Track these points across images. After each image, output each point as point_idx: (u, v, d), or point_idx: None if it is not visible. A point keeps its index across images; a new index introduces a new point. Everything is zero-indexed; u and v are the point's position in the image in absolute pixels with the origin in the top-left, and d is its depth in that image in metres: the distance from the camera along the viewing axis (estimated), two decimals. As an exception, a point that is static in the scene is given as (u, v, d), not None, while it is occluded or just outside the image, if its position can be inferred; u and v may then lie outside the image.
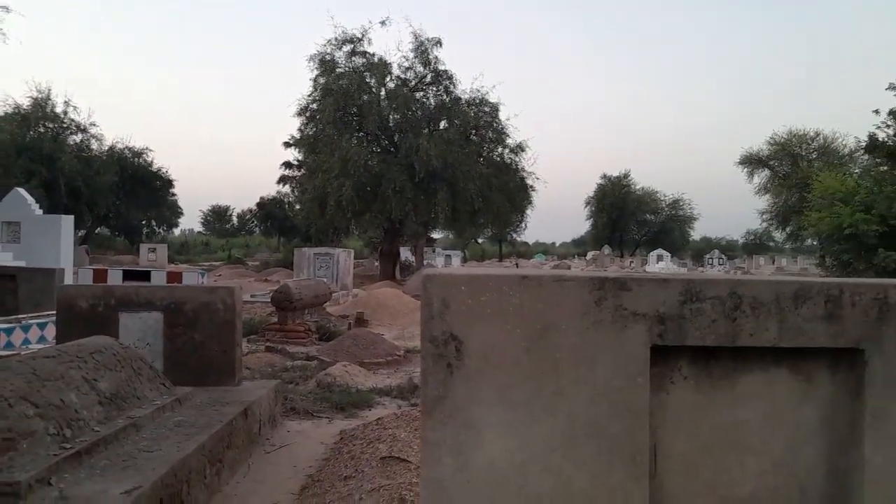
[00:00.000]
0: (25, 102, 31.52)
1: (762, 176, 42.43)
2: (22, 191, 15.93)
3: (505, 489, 1.50)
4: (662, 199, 57.73)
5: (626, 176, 57.09)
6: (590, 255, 45.67)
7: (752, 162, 42.11)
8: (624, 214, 55.37)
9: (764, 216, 42.31)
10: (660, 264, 39.35)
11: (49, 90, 32.36)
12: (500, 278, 1.52)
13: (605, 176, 57.36)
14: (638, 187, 57.23)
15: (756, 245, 56.28)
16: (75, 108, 33.41)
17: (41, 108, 31.70)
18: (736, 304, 1.50)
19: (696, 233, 64.04)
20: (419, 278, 19.33)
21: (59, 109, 32.51)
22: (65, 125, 32.80)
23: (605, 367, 1.49)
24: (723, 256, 50.25)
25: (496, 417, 1.50)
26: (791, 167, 41.24)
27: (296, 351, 8.83)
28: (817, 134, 41.30)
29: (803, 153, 41.56)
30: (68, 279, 10.27)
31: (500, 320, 1.50)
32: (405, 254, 31.28)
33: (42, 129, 31.55)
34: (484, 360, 1.51)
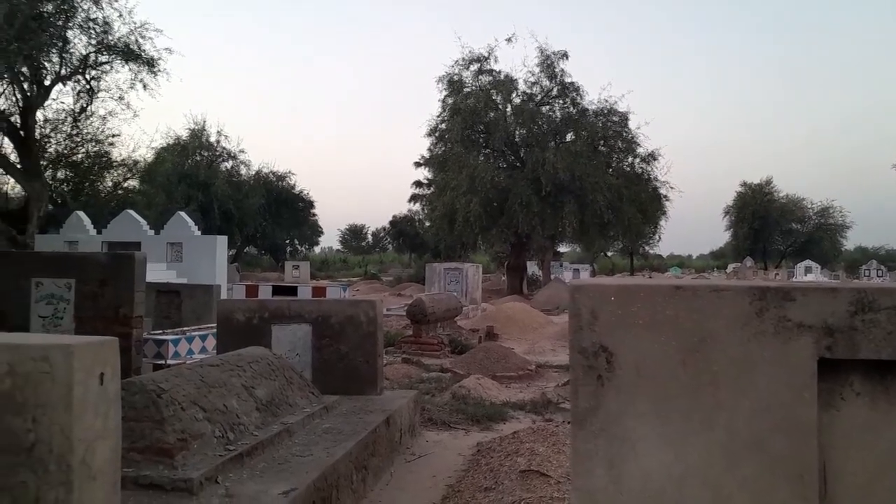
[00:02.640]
0: (184, 134, 34.73)
1: (928, 178, 38.30)
2: (183, 214, 17.52)
3: (660, 503, 1.47)
4: (810, 206, 53.50)
5: (768, 183, 53.52)
6: (730, 267, 43.23)
7: (914, 163, 38.09)
8: (767, 224, 51.83)
9: (931, 222, 38.09)
10: (808, 277, 36.54)
11: (204, 121, 35.44)
12: (652, 288, 1.50)
13: (744, 184, 54.07)
14: (782, 195, 53.42)
15: (922, 254, 50.75)
16: (226, 137, 36.49)
17: (198, 139, 34.75)
18: (916, 314, 1.39)
19: (850, 242, 58.74)
20: (547, 293, 19.22)
21: (212, 139, 35.54)
22: (217, 153, 35.73)
23: (767, 381, 1.43)
24: (882, 268, 45.76)
25: (650, 430, 1.48)
26: (963, 167, 36.93)
27: (430, 363, 9.03)
28: None
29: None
30: (223, 294, 11.14)
31: (652, 331, 1.48)
32: (532, 268, 31.14)
33: (198, 158, 34.55)
34: (636, 371, 1.49)
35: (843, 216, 52.40)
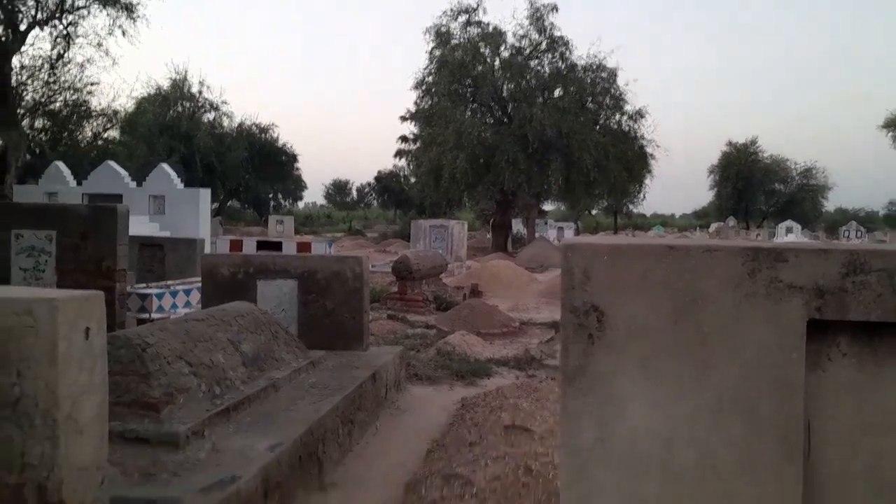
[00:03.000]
0: (165, 84, 33.96)
1: (911, 140, 38.57)
2: (166, 166, 17.27)
3: (647, 462, 1.49)
4: (793, 167, 53.82)
5: (753, 143, 53.64)
6: (713, 226, 43.54)
7: (898, 125, 38.33)
8: (750, 184, 52.12)
9: (912, 184, 38.47)
10: (789, 237, 36.91)
11: (186, 71, 34.66)
12: (644, 248, 1.49)
13: (730, 143, 54.17)
14: (766, 155, 53.63)
15: (901, 216, 51.45)
16: (208, 87, 35.67)
17: (179, 89, 34.02)
18: (907, 277, 1.39)
19: (830, 203, 59.32)
20: (531, 251, 19.32)
21: (194, 89, 34.80)
22: (200, 104, 35.06)
23: (757, 342, 1.44)
24: (861, 229, 46.34)
25: (639, 390, 1.49)
26: (946, 130, 37.24)
27: (415, 319, 9.08)
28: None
29: (960, 114, 37.40)
30: (207, 249, 11.05)
31: (644, 291, 1.48)
32: (517, 226, 31.18)
33: (180, 109, 33.88)
34: (627, 331, 1.49)
35: (825, 177, 52.85)
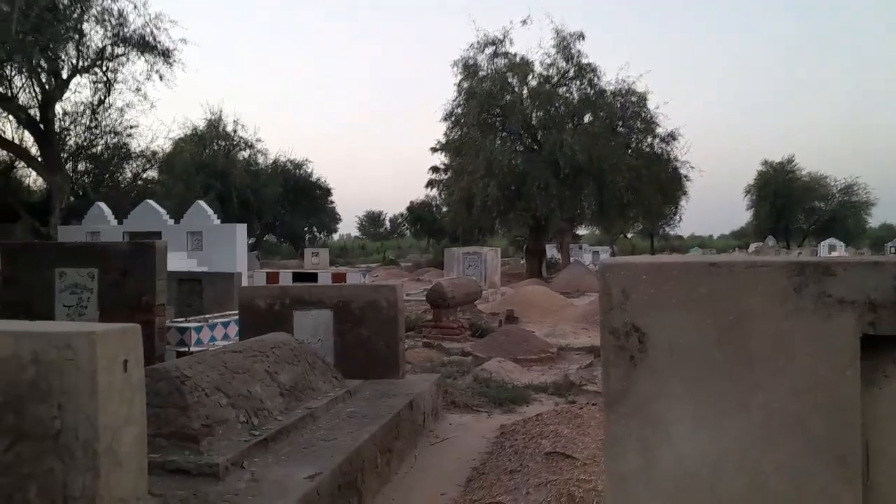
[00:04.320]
0: (201, 124, 34.89)
1: (956, 152, 37.45)
2: (203, 203, 17.63)
3: (695, 487, 1.43)
4: (833, 184, 52.62)
5: (789, 161, 52.69)
6: (752, 247, 42.70)
7: (943, 137, 37.25)
8: (789, 203, 51.08)
9: (960, 198, 37.31)
10: (833, 255, 36.00)
11: (221, 111, 35.60)
12: (685, 266, 1.45)
13: (766, 162, 53.29)
14: (804, 172, 52.58)
15: (951, 231, 49.80)
16: (243, 126, 36.51)
17: (215, 129, 34.91)
18: (967, 288, 1.33)
19: (875, 219, 57.71)
20: (566, 275, 19.11)
21: (229, 128, 35.66)
22: (235, 142, 35.88)
23: (807, 359, 1.38)
24: (909, 244, 45.01)
25: (684, 412, 1.43)
26: None
27: (451, 347, 9.03)
28: None
29: None
30: (244, 282, 11.20)
31: (686, 310, 1.44)
32: (551, 251, 31.00)
33: (216, 147, 34.72)
34: (669, 352, 1.44)
35: (867, 193, 51.47)
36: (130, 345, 1.93)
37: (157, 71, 21.94)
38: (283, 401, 3.98)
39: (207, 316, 7.68)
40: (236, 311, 6.33)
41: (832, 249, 37.26)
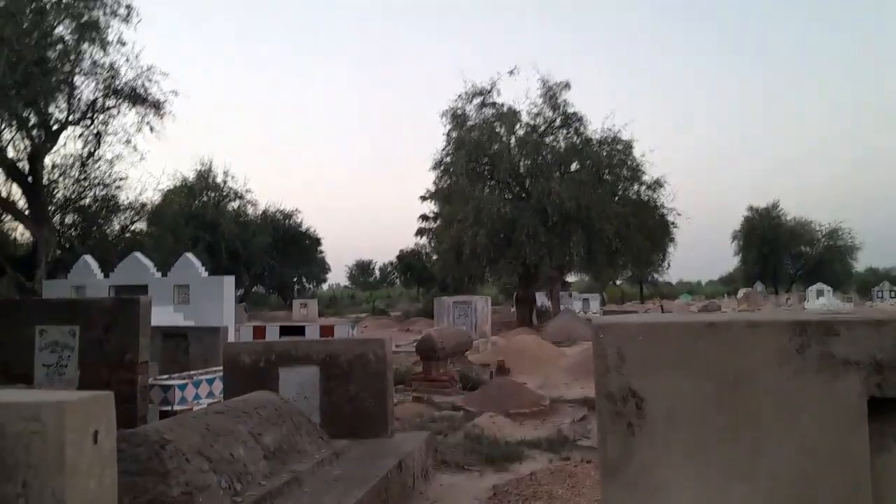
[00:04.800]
0: (191, 175, 35.00)
1: (938, 196, 38.08)
2: (191, 256, 17.49)
3: (702, 563, 1.34)
4: (818, 228, 53.29)
5: (774, 206, 53.46)
6: (741, 292, 42.80)
7: (923, 181, 37.94)
8: (776, 248, 51.58)
9: (943, 241, 37.76)
10: (821, 300, 36.11)
11: (210, 162, 35.77)
12: (682, 326, 1.40)
13: (751, 208, 54.03)
14: (789, 218, 53.30)
15: (936, 274, 50.26)
16: (233, 176, 36.65)
17: (204, 179, 35.02)
18: (975, 347, 1.28)
19: (861, 264, 58.21)
20: (557, 324, 18.97)
21: (219, 179, 35.79)
22: (224, 193, 35.96)
23: (812, 423, 1.31)
24: (895, 289, 45.31)
25: (686, 479, 1.36)
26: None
27: (441, 401, 8.85)
28: None
29: None
30: (231, 336, 11.02)
31: (684, 372, 1.37)
32: (541, 299, 30.91)
33: (205, 199, 34.75)
34: (668, 417, 1.38)
35: (852, 237, 52.13)
36: (102, 413, 1.83)
37: (147, 123, 22.08)
38: (268, 464, 3.83)
39: (192, 373, 7.51)
40: (222, 367, 6.19)
41: (820, 294, 37.42)
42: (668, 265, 32.00)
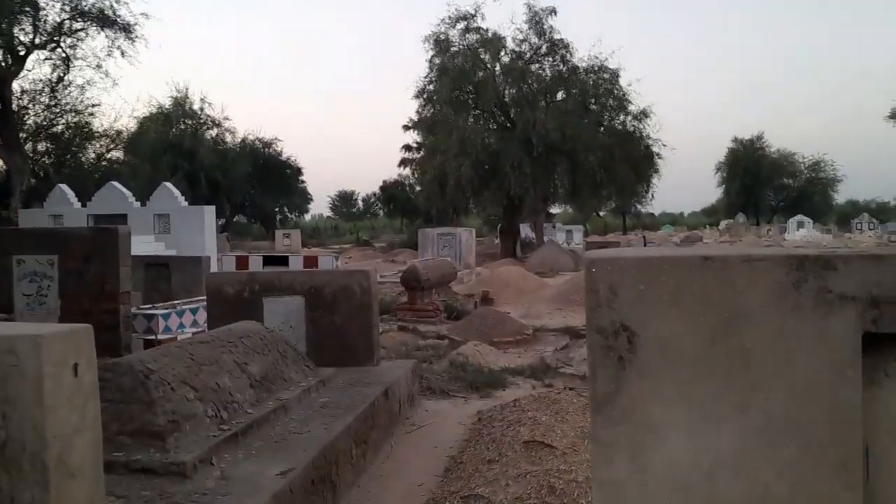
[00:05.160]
0: (167, 102, 34.05)
1: (919, 129, 38.19)
2: (169, 185, 17.22)
3: (689, 495, 1.35)
4: (801, 161, 53.44)
5: (759, 138, 53.36)
6: (723, 224, 43.28)
7: (906, 115, 37.98)
8: (758, 180, 51.82)
9: (922, 174, 38.09)
10: (801, 231, 36.64)
11: (187, 89, 34.73)
12: (676, 261, 1.36)
13: (736, 139, 53.91)
14: (773, 150, 53.32)
15: (913, 206, 50.97)
16: (210, 104, 35.71)
17: (181, 107, 34.09)
18: (973, 281, 1.26)
19: (841, 196, 58.84)
20: (541, 255, 19.14)
21: (196, 106, 34.86)
22: (202, 121, 35.11)
23: (806, 359, 1.30)
24: (873, 221, 46.00)
25: (677, 416, 1.35)
26: (956, 117, 36.86)
27: (426, 330, 8.95)
28: None
29: (970, 101, 37.03)
30: (213, 266, 10.97)
31: (678, 308, 1.35)
32: (525, 230, 31.03)
33: (182, 127, 33.94)
34: (661, 352, 1.35)
35: (834, 170, 52.44)
36: (81, 346, 1.79)
37: (118, 47, 21.30)
38: (254, 393, 3.85)
39: (176, 302, 7.48)
40: (205, 297, 6.16)
41: (800, 226, 37.91)
42: (652, 197, 32.14)
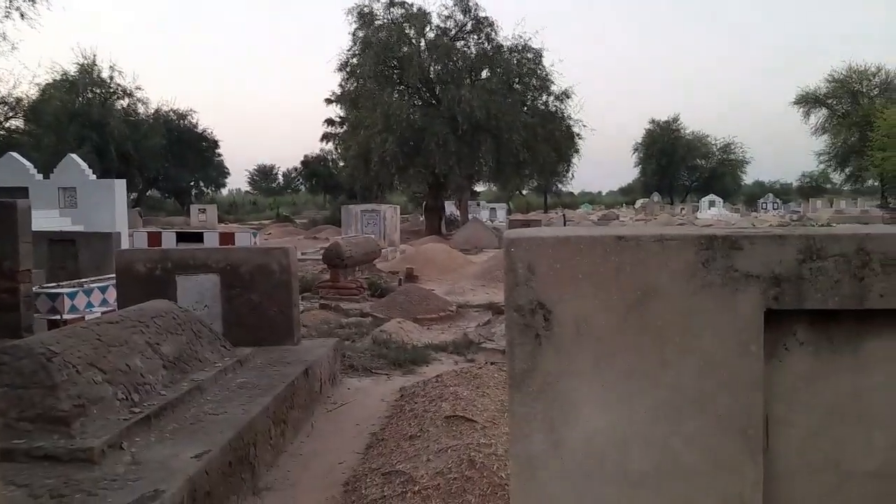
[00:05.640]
0: (72, 69, 32.03)
1: (819, 116, 40.58)
2: (76, 157, 16.24)
3: (604, 466, 1.39)
4: (713, 143, 55.90)
5: (675, 120, 55.42)
6: (639, 203, 44.78)
7: (808, 101, 40.30)
8: (673, 160, 53.88)
9: (821, 157, 40.64)
10: (712, 210, 38.38)
11: (94, 56, 32.78)
12: (592, 240, 1.38)
13: (653, 121, 55.81)
14: (688, 132, 55.53)
15: (812, 188, 54.32)
16: (120, 72, 33.86)
17: (88, 74, 32.17)
18: (864, 261, 1.33)
19: (749, 177, 62.01)
20: (465, 233, 19.27)
21: (105, 75, 32.98)
22: (112, 90, 33.29)
23: (713, 335, 1.35)
24: (777, 201, 48.71)
25: (592, 391, 1.38)
26: (851, 105, 39.35)
27: (350, 307, 8.87)
28: (879, 69, 39.16)
29: (864, 90, 39.58)
30: (124, 242, 10.48)
31: (593, 286, 1.37)
32: (449, 208, 31.14)
33: (90, 95, 32.08)
34: (576, 329, 1.38)
35: (743, 152, 55.11)
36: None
37: (17, 8, 19.82)
38: (167, 374, 3.72)
39: (83, 280, 7.11)
40: (115, 275, 5.88)
41: (712, 205, 39.68)
42: (572, 176, 32.87)
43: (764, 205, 46.35)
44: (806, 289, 1.34)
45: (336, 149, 36.90)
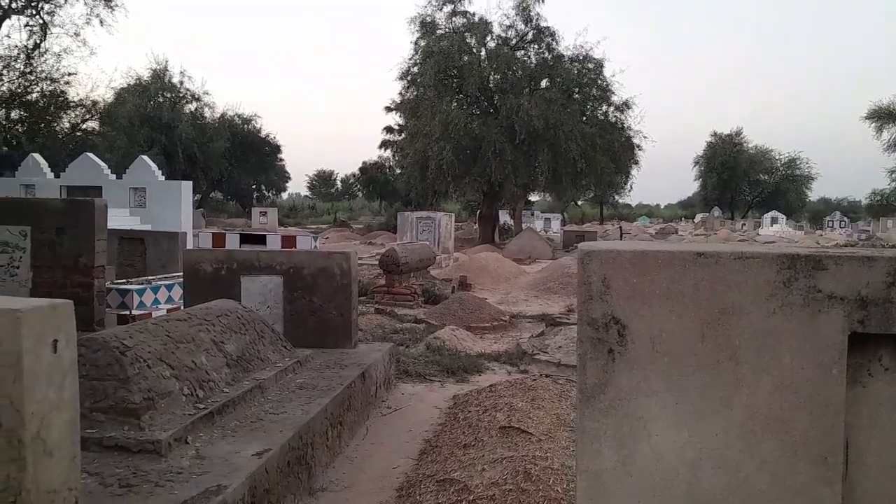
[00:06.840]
0: (146, 74, 33.37)
1: (893, 131, 38.81)
2: (146, 158, 16.91)
3: (673, 486, 1.37)
4: (777, 157, 54.08)
5: (738, 133, 53.89)
6: (698, 217, 43.76)
7: (881, 116, 38.58)
8: (735, 174, 52.38)
9: (893, 175, 38.85)
10: (774, 227, 37.19)
11: (166, 62, 34.13)
12: (670, 255, 1.36)
13: (715, 134, 54.37)
14: (751, 145, 53.89)
15: (883, 206, 51.95)
16: (190, 77, 35.17)
17: (160, 79, 33.46)
18: (957, 286, 1.28)
19: (814, 194, 59.77)
20: (519, 242, 19.19)
21: (175, 80, 34.23)
22: (181, 94, 34.50)
23: (793, 356, 1.32)
24: (845, 219, 46.85)
25: (664, 409, 1.36)
26: (928, 121, 37.56)
27: (404, 313, 8.94)
28: (960, 83, 37.20)
29: (943, 105, 37.71)
30: (189, 242, 10.84)
31: (670, 302, 1.35)
32: (503, 217, 31.07)
33: (161, 99, 33.33)
34: (651, 345, 1.36)
35: (809, 168, 53.18)
36: (61, 322, 1.75)
37: (97, 15, 20.80)
38: (230, 372, 3.82)
39: (151, 277, 7.38)
40: (181, 273, 6.08)
41: (774, 221, 38.44)
42: (631, 188, 32.34)
43: (830, 223, 44.66)
44: (894, 313, 1.29)
45: (394, 156, 37.29)
